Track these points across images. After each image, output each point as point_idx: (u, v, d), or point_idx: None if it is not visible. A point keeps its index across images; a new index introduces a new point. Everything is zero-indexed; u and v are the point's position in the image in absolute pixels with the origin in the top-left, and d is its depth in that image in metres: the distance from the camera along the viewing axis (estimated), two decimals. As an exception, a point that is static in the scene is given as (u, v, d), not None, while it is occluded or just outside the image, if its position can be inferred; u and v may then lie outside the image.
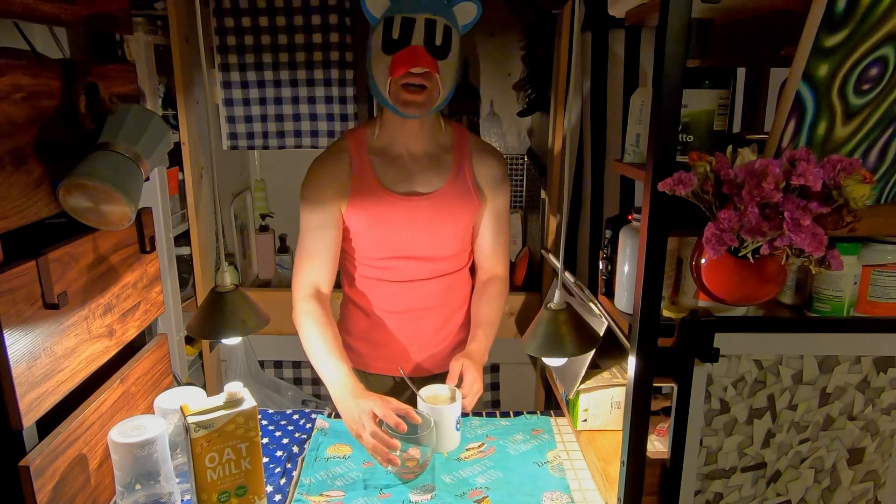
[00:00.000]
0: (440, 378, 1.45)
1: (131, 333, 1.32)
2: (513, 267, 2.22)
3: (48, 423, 1.06)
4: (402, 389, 1.56)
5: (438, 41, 1.30)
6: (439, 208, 1.45)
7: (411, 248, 1.47)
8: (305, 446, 1.41)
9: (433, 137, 1.46)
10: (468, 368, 1.38)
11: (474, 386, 1.37)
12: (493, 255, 1.57)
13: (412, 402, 1.36)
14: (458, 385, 1.37)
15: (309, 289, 1.45)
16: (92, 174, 0.98)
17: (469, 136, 1.51)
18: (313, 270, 1.45)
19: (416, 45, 1.29)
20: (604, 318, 1.25)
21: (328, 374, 1.36)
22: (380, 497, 1.24)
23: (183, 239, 1.98)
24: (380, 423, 1.26)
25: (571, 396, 1.40)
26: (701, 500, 1.04)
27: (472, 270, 1.63)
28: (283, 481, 1.29)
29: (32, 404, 1.00)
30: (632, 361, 0.98)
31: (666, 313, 1.06)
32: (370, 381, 1.59)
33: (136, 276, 1.34)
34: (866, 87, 0.90)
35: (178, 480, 1.23)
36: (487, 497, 1.23)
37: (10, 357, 0.94)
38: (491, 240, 1.55)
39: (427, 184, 1.45)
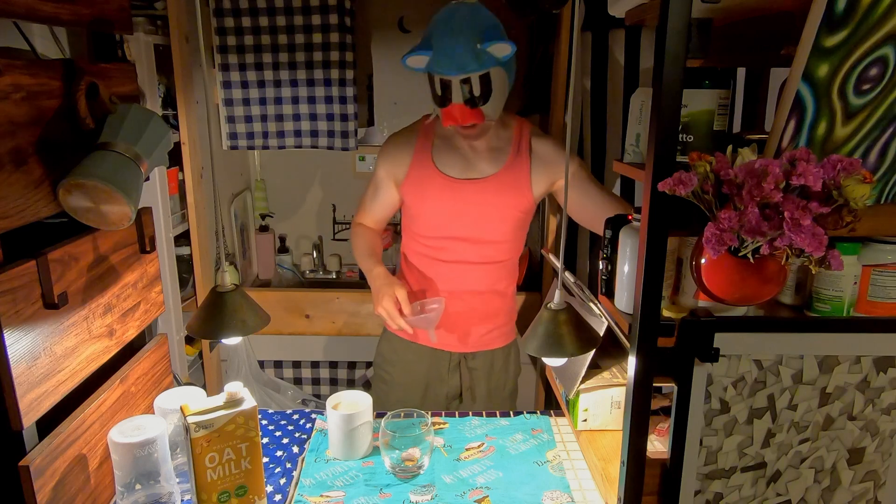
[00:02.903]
0: (479, 355, 1.68)
1: (131, 333, 1.32)
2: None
3: (48, 423, 1.06)
4: (442, 359, 1.69)
5: (477, 92, 1.41)
6: (487, 193, 1.54)
7: (459, 229, 1.57)
8: (305, 446, 1.41)
9: (494, 132, 1.56)
10: None
11: None
12: (611, 208, 1.46)
13: (448, 369, 1.65)
14: None
15: (360, 221, 1.73)
16: (92, 174, 0.98)
17: (530, 127, 1.61)
18: (366, 218, 1.71)
19: (456, 105, 1.42)
20: (604, 318, 1.25)
21: (368, 266, 1.62)
22: (380, 497, 1.24)
23: (183, 239, 1.98)
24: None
25: (571, 396, 1.40)
26: (701, 500, 1.04)
27: (521, 261, 1.72)
28: (283, 481, 1.29)
29: (32, 404, 1.00)
30: (632, 361, 0.98)
31: (666, 313, 1.06)
32: (412, 350, 1.69)
33: (136, 276, 1.34)
34: (866, 87, 0.90)
35: (178, 480, 1.23)
36: (487, 497, 1.23)
37: (10, 357, 0.94)
38: (597, 200, 1.52)
39: (481, 171, 1.56)
